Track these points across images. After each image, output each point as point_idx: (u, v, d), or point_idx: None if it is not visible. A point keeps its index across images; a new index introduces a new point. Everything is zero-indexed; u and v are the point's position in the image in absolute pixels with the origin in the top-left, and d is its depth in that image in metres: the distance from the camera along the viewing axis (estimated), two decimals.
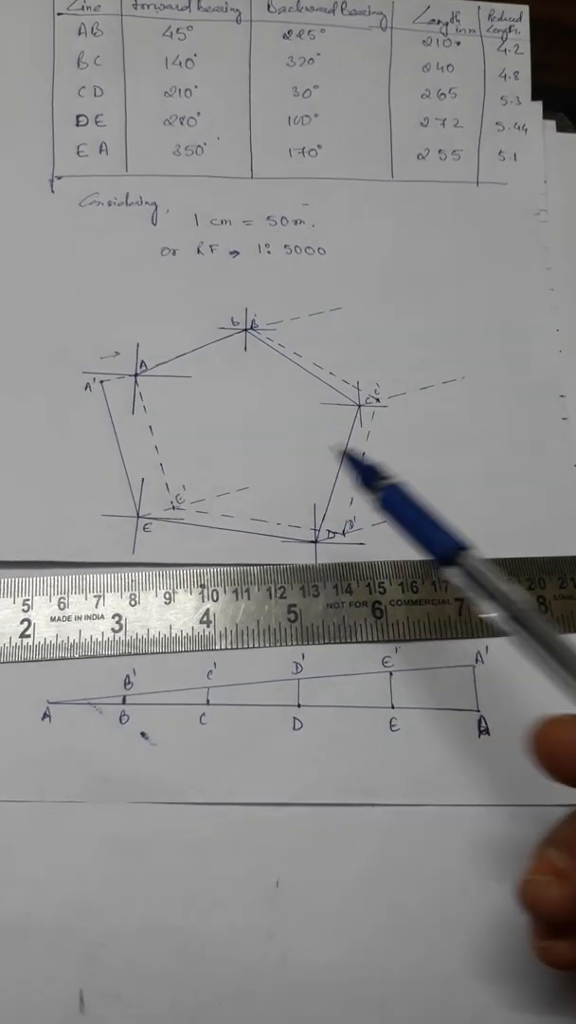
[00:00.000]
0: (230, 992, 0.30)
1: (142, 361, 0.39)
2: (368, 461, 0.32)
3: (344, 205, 0.42)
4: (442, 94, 0.43)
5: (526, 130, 0.44)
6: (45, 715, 0.33)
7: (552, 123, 0.44)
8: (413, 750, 0.33)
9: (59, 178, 0.41)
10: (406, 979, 0.30)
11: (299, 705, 0.34)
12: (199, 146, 0.42)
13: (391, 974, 0.30)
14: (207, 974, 0.30)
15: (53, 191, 0.41)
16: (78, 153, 0.42)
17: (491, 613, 0.27)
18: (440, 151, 0.43)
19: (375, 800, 0.32)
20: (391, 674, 0.34)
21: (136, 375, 0.38)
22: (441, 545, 0.29)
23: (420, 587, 0.35)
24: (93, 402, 0.38)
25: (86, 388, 0.38)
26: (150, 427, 0.38)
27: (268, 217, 0.42)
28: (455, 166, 0.43)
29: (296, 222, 0.42)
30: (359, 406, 0.38)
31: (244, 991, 0.30)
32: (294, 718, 0.33)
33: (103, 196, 0.41)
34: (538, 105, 0.44)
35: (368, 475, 0.31)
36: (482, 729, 0.33)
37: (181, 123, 0.42)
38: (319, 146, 0.43)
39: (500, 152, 0.43)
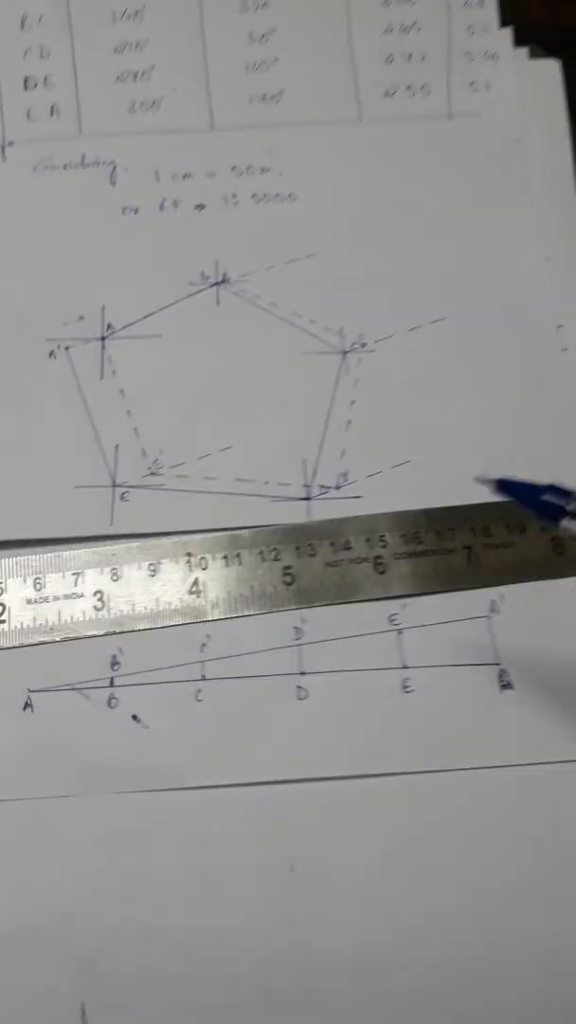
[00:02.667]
0: (250, 992, 0.26)
1: (108, 324, 0.35)
2: (535, 483, 0.24)
3: (312, 150, 0.38)
4: (405, 28, 0.39)
5: (497, 58, 0.39)
6: (27, 705, 0.29)
7: (524, 51, 0.40)
8: (430, 711, 0.29)
9: (10, 144, 0.37)
10: (441, 961, 0.26)
11: (302, 673, 0.29)
12: (155, 101, 0.38)
13: (425, 956, 0.26)
14: (222, 975, 0.26)
15: (4, 158, 0.37)
16: (28, 117, 0.38)
17: None
18: (408, 87, 0.39)
19: (392, 769, 0.28)
20: (400, 632, 0.30)
21: (103, 338, 0.34)
22: None
23: (424, 537, 0.31)
24: (58, 370, 0.34)
25: (50, 355, 0.34)
26: (121, 391, 0.33)
27: (233, 167, 0.38)
28: (425, 101, 0.39)
29: (263, 170, 0.38)
30: (344, 353, 0.34)
31: (266, 988, 0.26)
32: (298, 687, 0.29)
33: (58, 159, 0.37)
34: (507, 32, 0.40)
35: (548, 504, 0.23)
36: (504, 683, 0.29)
37: (134, 79, 0.38)
38: (281, 91, 0.39)
39: (472, 83, 0.39)
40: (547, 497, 0.23)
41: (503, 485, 0.24)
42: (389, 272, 0.36)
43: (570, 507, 0.23)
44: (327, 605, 0.30)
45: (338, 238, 0.36)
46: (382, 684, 0.29)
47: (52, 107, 0.38)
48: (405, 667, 0.30)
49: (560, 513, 0.23)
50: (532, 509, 0.23)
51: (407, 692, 0.29)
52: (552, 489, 0.23)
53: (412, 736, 0.29)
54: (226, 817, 0.28)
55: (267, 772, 0.28)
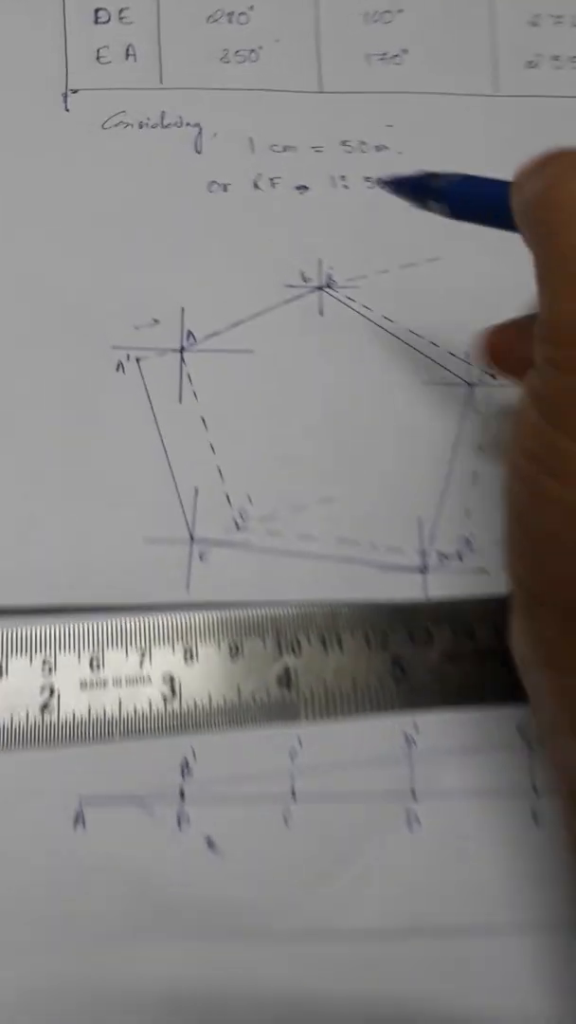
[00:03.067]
0: None
1: (189, 332, 0.28)
2: (413, 172, 0.25)
3: (437, 126, 0.31)
4: None
5: None
6: (77, 819, 0.23)
7: None
8: (567, 852, 0.24)
9: (74, 92, 0.30)
10: None
11: (415, 794, 0.24)
12: (253, 50, 0.31)
13: None
14: None
15: (67, 109, 0.30)
16: (98, 59, 0.31)
17: None
18: (555, 58, 0.32)
19: (529, 919, 0.23)
20: (532, 748, 0.25)
21: (182, 350, 0.28)
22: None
23: None
24: (127, 387, 0.27)
25: (117, 368, 0.28)
26: (203, 419, 0.27)
27: (343, 142, 0.31)
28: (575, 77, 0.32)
29: (379, 148, 0.31)
30: (472, 386, 0.28)
31: None
32: (409, 812, 0.24)
33: (131, 115, 0.30)
34: None
35: (420, 186, 0.24)
36: None
37: (229, 20, 0.31)
38: (404, 51, 0.32)
39: None
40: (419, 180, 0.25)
41: (388, 182, 0.25)
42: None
43: (434, 184, 0.24)
44: (445, 709, 0.25)
45: (468, 239, 0.30)
46: (512, 813, 0.24)
47: (128, 49, 0.31)
48: (537, 793, 0.24)
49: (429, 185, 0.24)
50: (407, 196, 0.25)
51: (540, 825, 0.24)
52: (427, 175, 0.24)
53: (548, 882, 0.23)
54: (319, 975, 0.22)
55: (369, 918, 0.23)
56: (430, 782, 0.24)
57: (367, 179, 0.30)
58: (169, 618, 0.25)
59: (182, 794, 0.24)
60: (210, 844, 0.23)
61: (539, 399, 0.19)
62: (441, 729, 0.25)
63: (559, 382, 0.18)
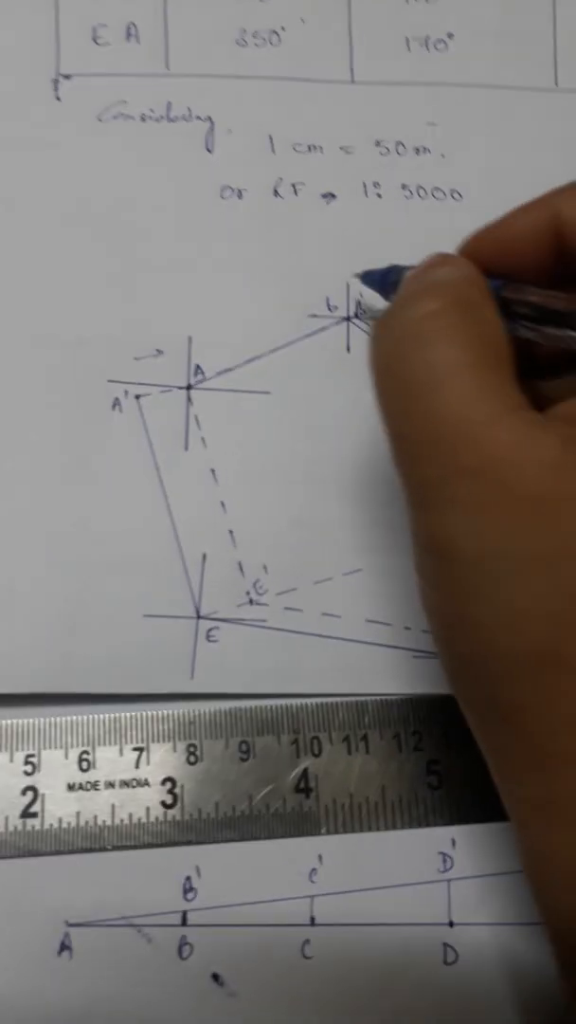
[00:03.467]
0: None
1: (197, 366, 0.24)
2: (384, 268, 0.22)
3: (488, 125, 0.27)
4: None
5: None
6: (63, 947, 0.20)
7: None
8: None
9: (67, 78, 0.26)
10: None
11: (451, 924, 0.21)
12: (274, 32, 0.27)
13: None
14: None
15: (58, 98, 0.26)
16: (95, 40, 0.26)
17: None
18: None
19: None
20: None
21: (189, 387, 0.24)
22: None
23: None
24: (125, 429, 0.24)
25: (114, 406, 0.24)
26: (212, 471, 0.24)
27: (378, 142, 0.27)
28: None
29: (419, 151, 0.27)
30: None
31: None
32: (445, 945, 0.21)
33: (133, 106, 0.26)
34: None
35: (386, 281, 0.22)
36: None
37: None
38: (450, 35, 0.27)
39: None
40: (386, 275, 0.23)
41: (364, 276, 0.23)
42: None
43: (394, 277, 0.22)
44: (487, 823, 0.22)
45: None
46: None
47: (129, 28, 0.26)
48: None
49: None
50: (377, 290, 0.23)
51: None
52: (392, 269, 0.22)
53: None
54: None
55: None
56: (469, 910, 0.21)
57: (403, 187, 0.26)
58: (170, 710, 0.22)
59: (184, 918, 0.21)
60: (216, 978, 0.20)
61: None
62: (482, 846, 0.21)
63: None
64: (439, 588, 0.16)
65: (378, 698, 0.22)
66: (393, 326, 0.17)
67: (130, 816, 0.21)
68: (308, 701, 0.22)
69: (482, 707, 0.16)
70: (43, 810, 0.21)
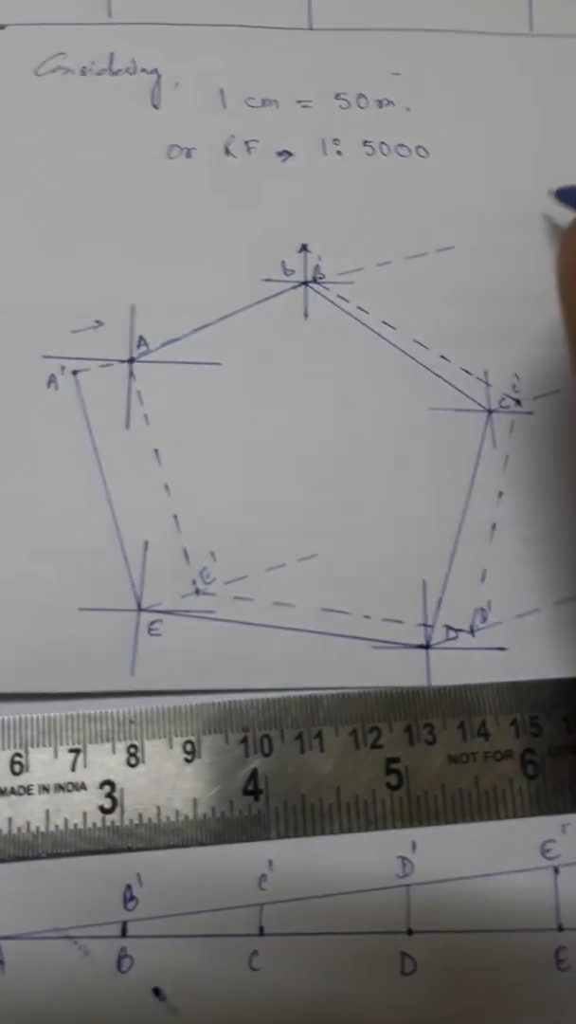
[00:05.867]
0: None
1: (140, 337, 0.23)
2: None
3: (457, 74, 0.26)
4: None
5: None
6: None
7: None
8: None
9: (1, 28, 0.25)
10: None
11: (410, 932, 0.20)
12: None
13: None
14: None
15: None
16: None
17: None
18: None
19: None
20: (556, 871, 0.20)
21: (131, 360, 0.23)
22: None
23: None
24: (60, 407, 0.22)
25: (49, 383, 0.23)
26: (156, 451, 0.22)
27: (338, 95, 0.25)
28: None
29: (381, 103, 0.25)
30: (490, 412, 0.23)
31: None
32: (403, 954, 0.20)
33: (72, 58, 0.25)
34: None
35: None
36: None
37: None
38: None
39: None
40: None
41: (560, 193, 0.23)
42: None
43: None
44: (449, 823, 0.20)
45: (489, 224, 0.24)
46: (528, 953, 0.20)
47: None
48: (560, 928, 0.20)
49: None
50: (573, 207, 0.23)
51: (563, 968, 0.20)
52: None
53: None
54: None
55: None
56: (429, 916, 0.20)
57: (365, 144, 0.25)
58: (109, 709, 0.21)
59: (124, 929, 0.20)
60: (157, 993, 0.19)
61: None
62: (444, 848, 0.20)
63: None
64: None
65: (334, 692, 0.21)
66: None
67: (66, 822, 0.20)
68: (258, 697, 0.21)
69: None
70: None
